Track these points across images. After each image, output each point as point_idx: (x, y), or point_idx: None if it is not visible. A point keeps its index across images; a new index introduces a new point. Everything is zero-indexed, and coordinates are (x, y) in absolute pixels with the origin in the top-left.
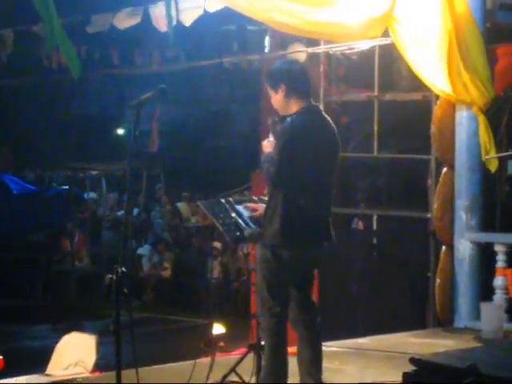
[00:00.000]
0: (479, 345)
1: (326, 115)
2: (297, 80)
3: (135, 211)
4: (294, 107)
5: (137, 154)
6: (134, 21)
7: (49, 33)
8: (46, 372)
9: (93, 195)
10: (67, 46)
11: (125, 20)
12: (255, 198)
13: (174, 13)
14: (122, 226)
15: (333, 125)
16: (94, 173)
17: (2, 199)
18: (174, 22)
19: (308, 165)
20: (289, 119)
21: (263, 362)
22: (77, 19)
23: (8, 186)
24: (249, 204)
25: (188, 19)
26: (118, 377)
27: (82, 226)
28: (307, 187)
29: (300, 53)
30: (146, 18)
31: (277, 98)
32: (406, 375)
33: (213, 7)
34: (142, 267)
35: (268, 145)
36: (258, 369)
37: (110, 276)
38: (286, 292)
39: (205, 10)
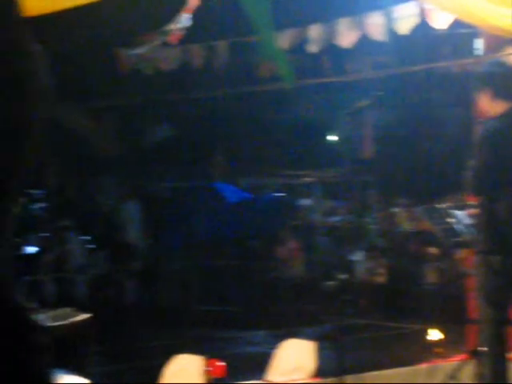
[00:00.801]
0: None
1: None
2: (502, 82)
3: (349, 218)
4: (500, 110)
5: (351, 160)
6: (353, 36)
7: (264, 44)
8: (266, 378)
9: (307, 202)
10: (281, 57)
11: (344, 34)
12: (471, 202)
13: (387, 22)
14: (337, 233)
15: None
16: (308, 180)
17: (217, 207)
18: (388, 31)
19: (508, 171)
20: (488, 123)
21: (483, 369)
22: (292, 33)
23: (223, 194)
24: (471, 211)
25: (404, 28)
26: (341, 382)
27: (296, 233)
28: (510, 194)
29: None
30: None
31: (482, 101)
32: None
33: (436, 23)
34: (356, 273)
35: None
36: (479, 376)
37: (330, 283)
38: (504, 298)
39: (422, 19)
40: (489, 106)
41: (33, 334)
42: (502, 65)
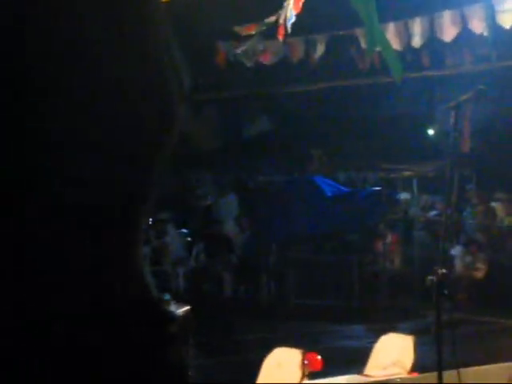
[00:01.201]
0: None
1: None
2: None
3: (447, 212)
4: None
5: (450, 154)
6: (455, 29)
7: (370, 37)
8: (365, 372)
9: (405, 196)
10: (389, 50)
11: (446, 28)
12: None
13: (490, 15)
14: (435, 227)
15: None
16: (406, 173)
17: (316, 201)
18: (491, 24)
19: None
20: None
21: None
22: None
23: (321, 187)
24: None
25: (507, 21)
26: (440, 377)
27: (394, 227)
28: None
29: None
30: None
31: None
32: None
33: None
34: (454, 268)
35: None
36: None
37: (431, 277)
38: None
39: None
40: None
41: (172, 326)
42: None
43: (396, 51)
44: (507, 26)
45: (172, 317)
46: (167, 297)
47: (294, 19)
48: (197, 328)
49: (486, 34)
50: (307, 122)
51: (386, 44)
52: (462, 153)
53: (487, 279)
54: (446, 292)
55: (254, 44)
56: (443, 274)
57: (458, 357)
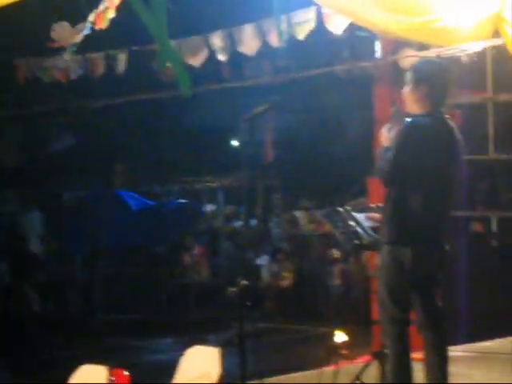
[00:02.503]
0: None
1: (450, 122)
2: (433, 84)
3: (252, 222)
4: (421, 109)
5: (252, 165)
6: (255, 43)
7: (160, 53)
8: None
9: (210, 207)
10: (178, 65)
11: (246, 42)
12: (372, 205)
13: (285, 27)
14: (241, 237)
15: (456, 132)
16: (211, 185)
17: (121, 215)
18: (286, 36)
19: (422, 168)
20: (409, 120)
21: (387, 370)
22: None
23: (127, 201)
24: (371, 214)
25: (301, 33)
26: None
27: (200, 239)
28: (420, 189)
29: (411, 58)
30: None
31: (408, 95)
32: None
33: (330, 25)
34: (261, 278)
35: (386, 138)
36: (383, 376)
37: (232, 289)
38: (407, 297)
39: (317, 24)
40: (412, 101)
41: None
42: (436, 65)
43: (191, 66)
44: (301, 38)
45: None
46: None
47: (88, 32)
48: (2, 349)
49: (283, 46)
50: (110, 137)
51: (175, 59)
52: (266, 163)
53: (294, 287)
54: (248, 303)
55: (53, 60)
56: (245, 285)
57: (263, 366)
